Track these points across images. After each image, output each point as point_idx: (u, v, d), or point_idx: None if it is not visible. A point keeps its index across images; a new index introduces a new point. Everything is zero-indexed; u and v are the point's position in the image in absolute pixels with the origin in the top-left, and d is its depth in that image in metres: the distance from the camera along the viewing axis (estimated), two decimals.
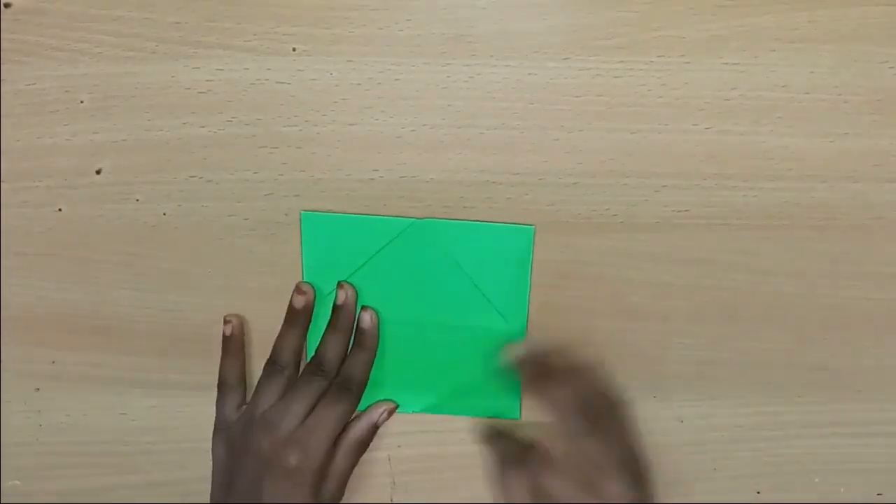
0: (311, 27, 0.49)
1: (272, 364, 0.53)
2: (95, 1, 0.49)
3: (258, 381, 0.53)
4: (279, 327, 0.53)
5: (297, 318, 0.53)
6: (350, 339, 0.53)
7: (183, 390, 0.56)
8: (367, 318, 0.53)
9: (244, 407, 0.53)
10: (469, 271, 0.52)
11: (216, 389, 0.54)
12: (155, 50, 0.49)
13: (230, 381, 0.54)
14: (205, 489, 0.56)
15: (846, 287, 0.52)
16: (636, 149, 0.50)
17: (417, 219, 0.51)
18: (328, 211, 0.52)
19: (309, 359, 0.53)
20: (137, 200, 0.52)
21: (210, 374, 0.55)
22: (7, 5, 0.49)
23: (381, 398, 0.54)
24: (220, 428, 0.54)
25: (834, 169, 0.50)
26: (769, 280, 0.52)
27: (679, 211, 0.51)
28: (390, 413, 0.54)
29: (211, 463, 0.53)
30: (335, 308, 0.53)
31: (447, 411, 0.55)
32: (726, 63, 0.48)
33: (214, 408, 0.54)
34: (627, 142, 0.50)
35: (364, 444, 0.53)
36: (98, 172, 0.52)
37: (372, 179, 0.51)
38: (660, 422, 0.54)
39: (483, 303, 0.52)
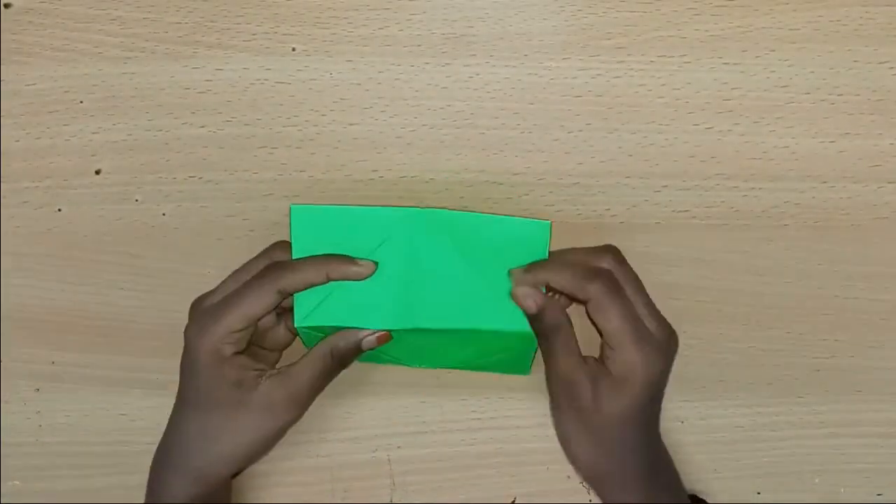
0: (311, 27, 0.49)
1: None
2: (95, 1, 0.49)
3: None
4: None
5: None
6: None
7: None
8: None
9: None
10: (475, 268, 0.46)
11: None
12: (154, 50, 0.49)
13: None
14: None
15: (846, 287, 0.52)
16: (636, 149, 0.50)
17: (418, 208, 0.46)
18: None
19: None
20: (137, 201, 0.52)
21: None
22: (7, 6, 0.49)
23: None
24: None
25: (834, 169, 0.50)
26: (769, 280, 0.52)
27: (679, 211, 0.51)
28: (379, 340, 0.47)
29: None
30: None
31: (452, 365, 0.52)
32: (726, 63, 0.48)
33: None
34: (627, 142, 0.50)
35: (337, 359, 0.47)
36: (98, 173, 0.52)
37: (372, 180, 0.51)
38: (660, 422, 0.54)
39: (489, 299, 0.46)
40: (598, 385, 0.46)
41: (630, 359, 0.45)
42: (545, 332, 0.46)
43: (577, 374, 0.46)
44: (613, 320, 0.45)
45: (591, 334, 0.47)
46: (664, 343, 0.46)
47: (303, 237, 0.47)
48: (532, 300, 0.45)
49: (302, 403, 0.47)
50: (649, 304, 0.47)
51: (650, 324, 0.46)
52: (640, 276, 0.51)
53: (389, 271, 0.46)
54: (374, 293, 0.46)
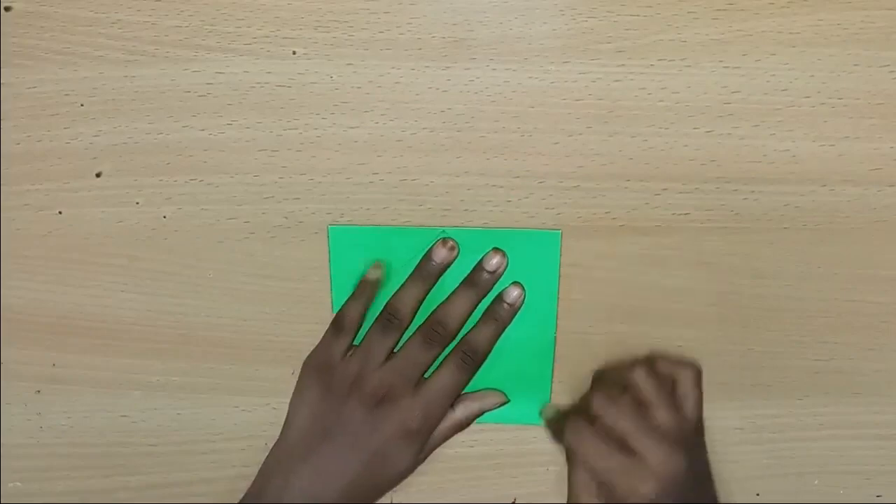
0: (311, 30, 0.49)
1: (388, 316, 0.51)
2: (96, 4, 0.48)
3: (369, 330, 0.51)
4: (280, 330, 0.53)
5: (428, 274, 0.51)
6: (476, 306, 0.52)
7: (183, 392, 0.56)
8: (515, 293, 0.52)
9: (349, 357, 0.51)
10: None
11: (331, 328, 0.53)
12: (155, 53, 0.49)
13: (352, 319, 0.52)
14: (205, 490, 0.56)
15: (846, 290, 0.52)
16: (637, 152, 0.50)
17: (446, 227, 0.51)
18: (329, 214, 0.52)
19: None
20: (137, 203, 0.52)
21: (210, 376, 0.55)
22: (7, 9, 0.49)
23: None
24: (320, 366, 0.52)
25: (834, 172, 0.50)
26: (769, 283, 0.52)
27: (679, 214, 0.51)
28: (501, 405, 0.54)
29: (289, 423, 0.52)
30: (476, 269, 0.52)
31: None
32: (727, 67, 0.48)
33: (320, 340, 0.53)
34: (628, 145, 0.50)
35: (464, 426, 0.53)
36: (98, 175, 0.52)
37: (372, 183, 0.51)
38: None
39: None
40: None
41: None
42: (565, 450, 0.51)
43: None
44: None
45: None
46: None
47: (340, 256, 0.52)
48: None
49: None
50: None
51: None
52: (641, 279, 0.51)
53: None
54: None
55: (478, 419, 0.54)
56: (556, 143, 0.50)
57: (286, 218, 0.52)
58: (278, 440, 0.51)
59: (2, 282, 0.54)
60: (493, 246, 0.51)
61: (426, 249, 0.51)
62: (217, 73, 0.50)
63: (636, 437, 0.47)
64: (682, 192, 0.50)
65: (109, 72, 0.50)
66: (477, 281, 0.51)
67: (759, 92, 0.48)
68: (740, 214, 0.51)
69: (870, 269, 0.51)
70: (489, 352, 0.52)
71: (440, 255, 0.51)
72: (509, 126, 0.50)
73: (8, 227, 0.53)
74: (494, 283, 0.52)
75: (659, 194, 0.50)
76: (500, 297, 0.52)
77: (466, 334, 0.51)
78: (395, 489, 0.56)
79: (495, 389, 0.54)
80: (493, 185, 0.51)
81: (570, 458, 0.50)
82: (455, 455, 0.56)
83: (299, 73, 0.49)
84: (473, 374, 0.51)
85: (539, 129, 0.50)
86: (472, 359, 0.51)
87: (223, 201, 0.52)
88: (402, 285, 0.51)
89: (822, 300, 0.52)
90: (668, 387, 0.50)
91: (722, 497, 0.50)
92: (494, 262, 0.51)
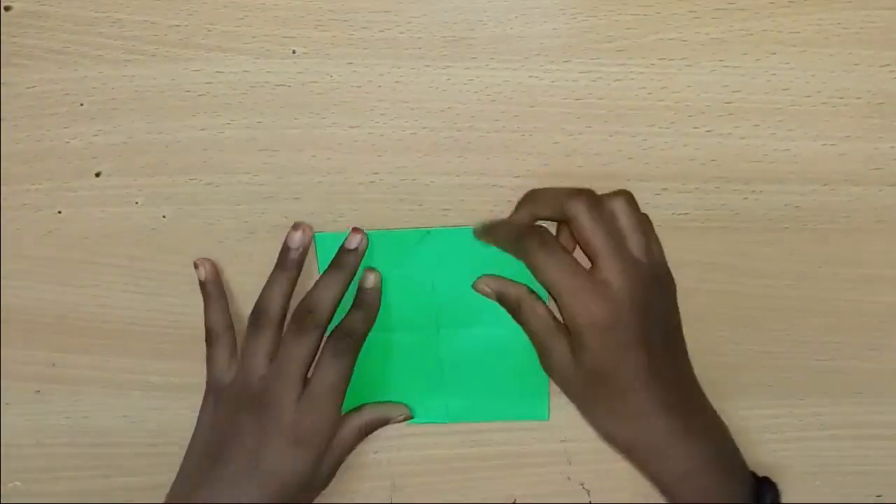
0: (311, 30, 0.49)
1: (259, 316, 0.50)
2: (95, 4, 0.48)
3: (245, 337, 0.51)
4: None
5: (290, 263, 0.50)
6: (345, 290, 0.50)
7: (183, 392, 0.55)
8: (371, 279, 0.51)
9: (234, 364, 0.51)
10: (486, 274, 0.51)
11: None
12: (155, 53, 0.49)
13: (217, 328, 0.52)
14: None
15: (846, 290, 0.52)
16: (637, 152, 0.50)
17: (430, 229, 0.51)
18: (329, 214, 0.52)
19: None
20: (137, 203, 0.52)
21: None
22: (7, 8, 0.49)
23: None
24: (212, 389, 0.52)
25: (835, 172, 0.50)
26: (770, 283, 0.52)
27: (680, 214, 0.51)
28: (405, 418, 0.53)
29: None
30: (341, 250, 0.50)
31: (474, 418, 0.54)
32: (727, 66, 0.48)
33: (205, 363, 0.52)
34: (628, 145, 0.50)
35: (370, 431, 0.52)
36: (98, 175, 0.52)
37: (372, 182, 0.51)
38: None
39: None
40: (579, 335, 0.45)
41: (607, 275, 0.44)
42: (512, 309, 0.50)
43: (552, 334, 0.47)
44: (590, 237, 0.45)
45: None
46: (647, 268, 0.46)
47: (328, 262, 0.51)
48: (487, 287, 0.50)
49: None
50: (643, 240, 0.46)
51: (636, 249, 0.46)
52: None
53: (410, 286, 0.52)
54: (402, 305, 0.52)
55: (480, 419, 0.54)
56: (557, 142, 0.50)
57: (286, 218, 0.52)
58: (182, 462, 0.51)
59: (2, 282, 0.54)
60: (480, 243, 0.50)
61: (412, 251, 0.51)
62: (217, 72, 0.49)
63: (606, 255, 0.45)
64: (683, 191, 0.50)
65: (109, 71, 0.50)
66: (342, 263, 0.50)
67: (759, 91, 0.48)
68: (741, 214, 0.51)
69: (870, 268, 0.51)
70: (364, 332, 0.50)
71: (294, 240, 0.50)
72: (509, 125, 0.50)
73: (8, 227, 0.53)
74: (358, 263, 0.50)
75: (659, 194, 0.50)
76: (360, 286, 0.51)
77: (338, 324, 0.50)
78: (394, 489, 0.56)
79: (399, 403, 0.53)
80: (493, 185, 0.51)
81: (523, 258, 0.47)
82: (455, 455, 0.56)
83: (299, 73, 0.49)
84: (353, 358, 0.49)
85: (539, 128, 0.50)
86: (348, 341, 0.49)
87: (223, 201, 0.52)
88: (269, 279, 0.51)
89: (823, 300, 0.52)
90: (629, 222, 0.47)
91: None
92: (356, 239, 0.50)
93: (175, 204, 0.52)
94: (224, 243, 0.53)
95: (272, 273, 0.51)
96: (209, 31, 0.49)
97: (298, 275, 0.51)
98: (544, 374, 0.50)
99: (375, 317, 0.51)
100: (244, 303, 0.54)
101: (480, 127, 0.50)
